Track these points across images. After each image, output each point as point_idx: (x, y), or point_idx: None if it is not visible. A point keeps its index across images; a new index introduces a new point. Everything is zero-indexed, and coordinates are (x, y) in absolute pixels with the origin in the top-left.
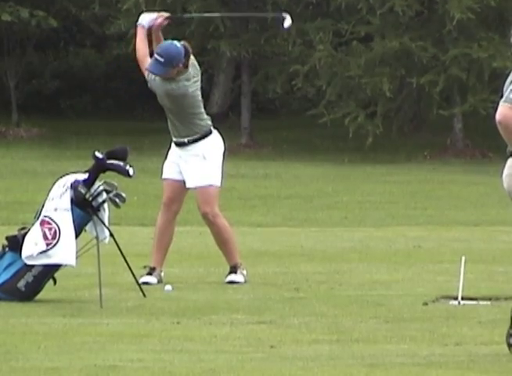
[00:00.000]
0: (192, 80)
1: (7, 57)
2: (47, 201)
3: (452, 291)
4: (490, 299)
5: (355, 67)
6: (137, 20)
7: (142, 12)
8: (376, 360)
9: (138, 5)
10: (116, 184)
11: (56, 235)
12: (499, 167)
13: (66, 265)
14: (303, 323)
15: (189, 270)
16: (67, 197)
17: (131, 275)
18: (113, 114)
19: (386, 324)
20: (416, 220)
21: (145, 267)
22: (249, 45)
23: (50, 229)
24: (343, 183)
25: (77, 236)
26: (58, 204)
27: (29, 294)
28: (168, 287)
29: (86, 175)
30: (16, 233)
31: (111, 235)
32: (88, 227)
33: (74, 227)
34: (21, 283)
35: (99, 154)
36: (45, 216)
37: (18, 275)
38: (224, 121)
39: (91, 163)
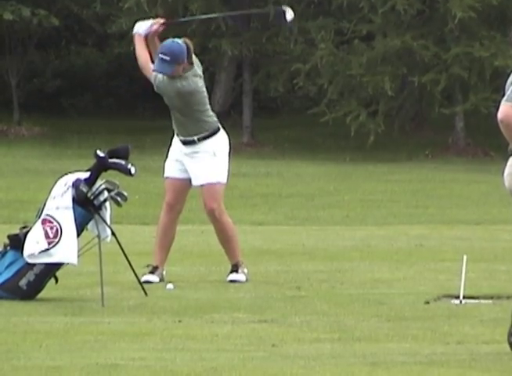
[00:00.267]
0: (199, 76)
1: (8, 56)
2: (48, 200)
3: (453, 290)
4: (492, 298)
5: (356, 66)
6: (133, 27)
7: (136, 21)
8: (377, 359)
9: (139, 3)
10: (117, 183)
11: (58, 234)
12: (500, 165)
13: (67, 264)
14: (304, 321)
15: (191, 269)
16: (69, 195)
17: (132, 274)
18: (114, 113)
19: (388, 323)
20: (418, 219)
21: (147, 266)
22: (250, 44)
23: (52, 227)
24: (344, 182)
25: (78, 234)
26: (59, 203)
27: (30, 293)
28: (170, 286)
29: (88, 174)
30: (17, 231)
31: (113, 234)
32: (89, 226)
33: (76, 226)
34: (23, 282)
35: (100, 153)
36: (47, 215)
37: (20, 273)
38: (225, 120)
39: (92, 162)
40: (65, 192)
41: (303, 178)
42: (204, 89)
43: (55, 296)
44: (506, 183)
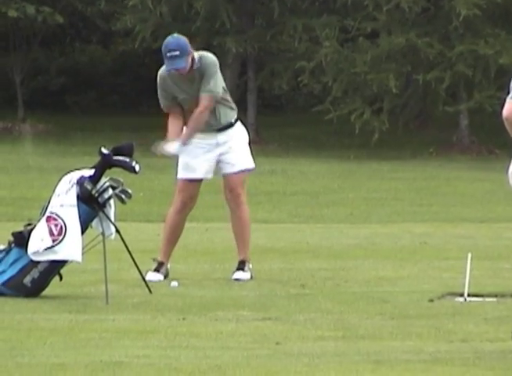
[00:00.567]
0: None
1: (13, 53)
2: (53, 197)
3: (457, 288)
4: (496, 296)
5: (361, 64)
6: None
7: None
8: (381, 357)
9: (144, 1)
10: (122, 180)
11: (62, 231)
12: (505, 163)
13: (72, 261)
14: (308, 319)
15: (195, 266)
16: (73, 193)
17: (137, 271)
18: (119, 110)
19: (392, 321)
20: (422, 217)
21: (153, 260)
22: (255, 42)
23: (56, 225)
24: (349, 180)
25: (83, 232)
26: (64, 200)
27: (35, 290)
28: (174, 283)
29: (92, 171)
30: (22, 229)
31: (117, 231)
32: (94, 223)
33: (80, 223)
34: (27, 279)
35: (104, 150)
36: (51, 212)
37: (24, 271)
38: None
39: (97, 159)
40: (69, 189)
41: (307, 176)
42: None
43: (60, 293)
44: (510, 181)
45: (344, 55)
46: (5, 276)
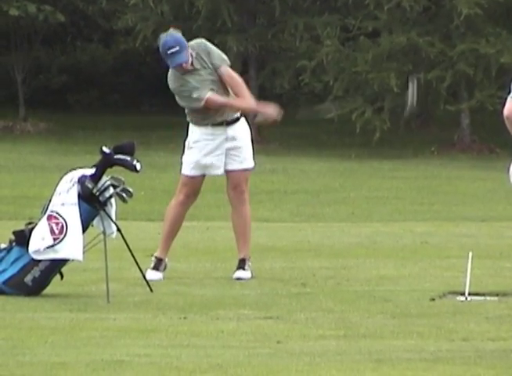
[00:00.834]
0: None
1: (14, 52)
2: (54, 196)
3: (459, 287)
4: (497, 295)
5: (362, 63)
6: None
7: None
8: (383, 356)
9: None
10: (123, 179)
11: (63, 230)
12: (506, 162)
13: (73, 260)
14: (310, 318)
15: (196, 265)
16: (74, 191)
17: (138, 270)
18: (120, 109)
19: (393, 320)
20: (423, 216)
21: (152, 257)
22: (256, 40)
23: (57, 223)
24: (350, 179)
25: (84, 231)
26: (65, 199)
27: (36, 289)
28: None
29: (93, 170)
30: (23, 227)
31: (118, 230)
32: (95, 222)
33: (81, 222)
34: (28, 278)
35: (106, 149)
36: (52, 211)
37: (25, 270)
38: None
39: (98, 158)
40: (70, 188)
41: (308, 175)
42: None
43: (61, 292)
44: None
45: (345, 54)
46: (6, 275)
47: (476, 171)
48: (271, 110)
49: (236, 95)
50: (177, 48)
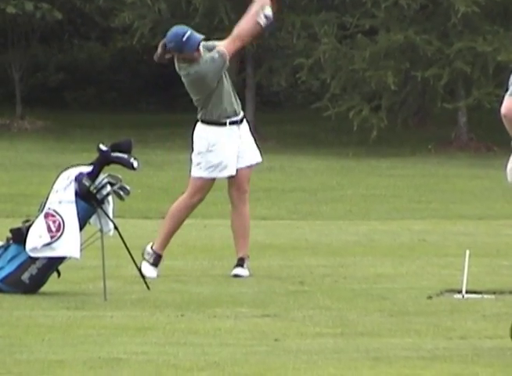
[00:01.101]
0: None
1: (11, 50)
2: (51, 194)
3: (456, 285)
4: (494, 293)
5: (359, 60)
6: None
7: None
8: (380, 354)
9: None
10: (120, 177)
11: (61, 227)
12: (503, 160)
13: (70, 258)
14: (307, 316)
15: (194, 263)
16: (72, 189)
17: (135, 268)
18: (117, 107)
19: (390, 318)
20: (421, 214)
21: (153, 251)
22: (253, 38)
23: (54, 221)
24: (347, 177)
25: (81, 228)
26: (62, 197)
27: (33, 287)
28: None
29: (90, 168)
30: (20, 225)
31: (115, 228)
32: (92, 220)
33: (79, 220)
34: (25, 276)
35: (103, 147)
36: (50, 209)
37: (22, 267)
38: None
39: (95, 156)
40: (68, 186)
41: (306, 173)
42: None
43: (58, 290)
44: (509, 178)
45: (343, 52)
46: (4, 273)
47: (473, 169)
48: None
49: (239, 27)
50: (189, 31)
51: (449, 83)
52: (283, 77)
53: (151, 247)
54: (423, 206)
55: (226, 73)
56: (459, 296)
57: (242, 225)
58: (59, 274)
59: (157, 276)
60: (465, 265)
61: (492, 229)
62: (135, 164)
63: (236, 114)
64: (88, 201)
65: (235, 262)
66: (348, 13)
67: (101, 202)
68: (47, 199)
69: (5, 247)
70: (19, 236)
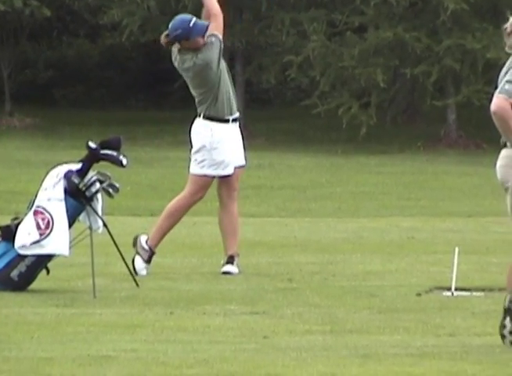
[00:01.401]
0: None
1: (0, 47)
2: (40, 191)
3: (445, 282)
4: (483, 290)
5: (348, 58)
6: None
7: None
8: (369, 351)
9: None
10: (109, 174)
11: (49, 225)
12: (492, 158)
13: (59, 255)
14: (296, 313)
15: (183, 260)
16: (61, 187)
17: (124, 265)
18: (106, 104)
19: (379, 315)
20: (410, 211)
21: (148, 247)
22: (242, 36)
23: (43, 219)
24: (336, 174)
25: (70, 226)
26: (51, 194)
27: (22, 284)
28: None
29: (79, 165)
30: (9, 223)
31: (104, 225)
32: (81, 217)
33: (68, 217)
34: (14, 273)
35: (92, 144)
36: (38, 206)
37: (11, 265)
38: None
39: (84, 153)
40: (57, 183)
41: (295, 170)
42: None
43: (47, 287)
44: (498, 175)
45: (332, 49)
46: None
47: (462, 166)
48: None
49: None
50: (193, 18)
51: (438, 80)
52: (272, 74)
53: (146, 242)
54: (412, 203)
55: (227, 70)
56: (448, 293)
57: (231, 223)
58: (48, 271)
59: (145, 274)
60: (454, 263)
61: (481, 226)
62: (124, 162)
63: (235, 112)
64: (77, 199)
65: (224, 259)
66: (337, 11)
67: (90, 199)
68: (36, 196)
69: None
70: (8, 234)
